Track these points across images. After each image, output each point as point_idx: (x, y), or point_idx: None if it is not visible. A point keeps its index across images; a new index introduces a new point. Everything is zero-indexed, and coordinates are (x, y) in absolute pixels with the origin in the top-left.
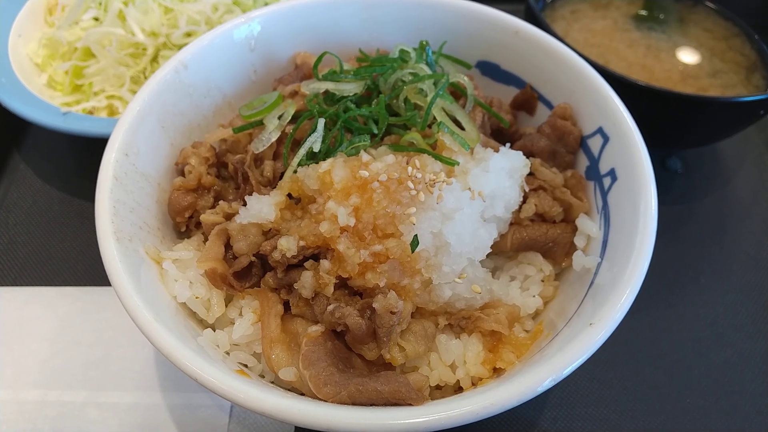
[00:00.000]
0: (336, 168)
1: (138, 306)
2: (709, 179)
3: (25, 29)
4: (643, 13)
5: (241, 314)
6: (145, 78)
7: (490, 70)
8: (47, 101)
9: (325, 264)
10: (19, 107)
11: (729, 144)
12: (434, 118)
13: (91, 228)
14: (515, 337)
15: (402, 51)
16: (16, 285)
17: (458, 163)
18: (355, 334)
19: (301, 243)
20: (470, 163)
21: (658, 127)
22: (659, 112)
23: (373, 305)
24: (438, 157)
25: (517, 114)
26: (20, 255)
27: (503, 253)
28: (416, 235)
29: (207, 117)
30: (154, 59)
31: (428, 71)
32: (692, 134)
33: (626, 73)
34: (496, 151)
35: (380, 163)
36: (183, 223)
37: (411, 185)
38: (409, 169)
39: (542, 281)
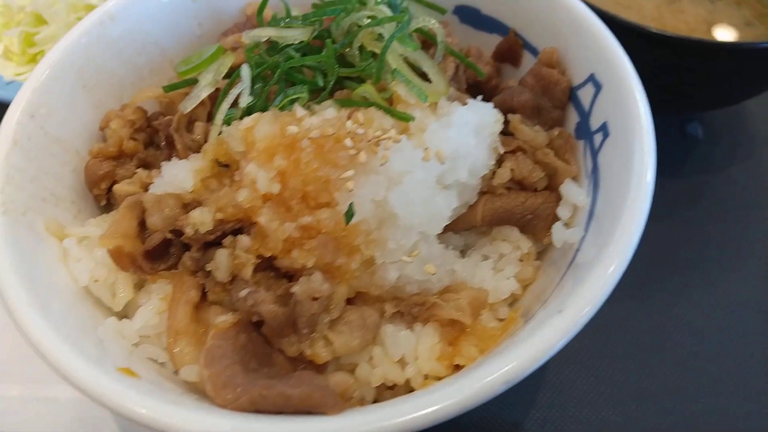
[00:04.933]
0: (260, 124)
1: (11, 287)
2: (734, 147)
3: None
4: None
5: (150, 297)
6: None
7: (469, 15)
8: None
9: (243, 240)
10: None
11: (756, 106)
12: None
13: None
14: (482, 328)
15: None
16: None
17: (413, 118)
18: (271, 326)
19: (219, 215)
20: (429, 118)
21: (675, 85)
22: (675, 66)
23: (292, 290)
24: (388, 110)
25: (501, 67)
26: None
27: (475, 229)
28: (351, 204)
29: (143, 77)
30: None
31: (388, 12)
32: (714, 91)
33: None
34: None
35: (316, 118)
36: (102, 196)
37: (349, 143)
38: (349, 123)
39: (520, 260)
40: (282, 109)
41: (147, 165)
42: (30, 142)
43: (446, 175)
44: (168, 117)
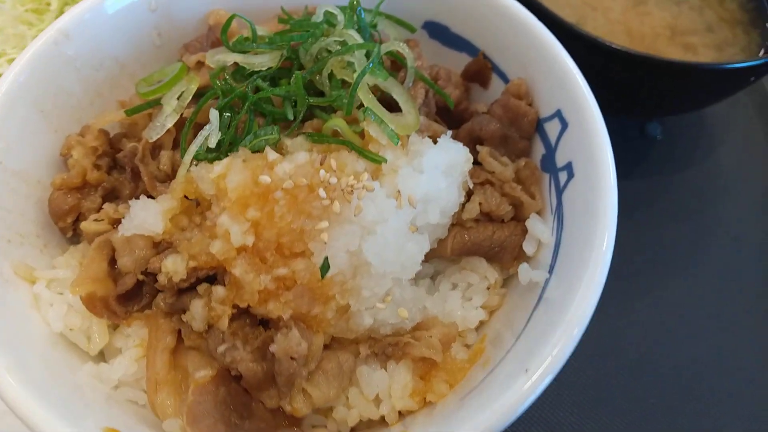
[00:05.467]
0: (232, 172)
1: None
2: (691, 148)
3: None
4: None
5: (127, 342)
6: None
7: (438, 32)
8: None
9: (218, 291)
10: None
11: (714, 107)
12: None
13: None
14: (451, 361)
15: (327, 13)
16: None
17: (386, 161)
18: (250, 383)
19: (192, 263)
20: (401, 159)
21: (637, 95)
22: (638, 79)
23: (270, 348)
24: (362, 153)
25: (470, 86)
26: None
27: (443, 257)
28: (327, 258)
29: (102, 94)
30: (61, 14)
31: (358, 39)
32: (675, 101)
33: (607, 30)
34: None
35: (288, 164)
36: (68, 228)
37: (323, 194)
38: (322, 172)
39: (487, 289)
40: (252, 149)
41: (112, 192)
42: None
43: (418, 218)
44: (132, 145)
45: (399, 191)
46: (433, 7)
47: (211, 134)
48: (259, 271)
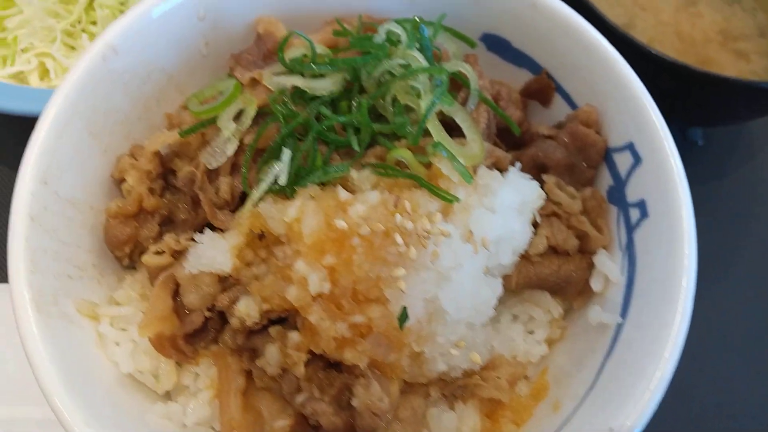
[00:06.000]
0: (306, 216)
1: (56, 393)
2: (732, 155)
3: None
4: None
5: (196, 380)
6: (81, 30)
7: (498, 45)
8: None
9: (294, 337)
10: None
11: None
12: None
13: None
14: (516, 399)
15: (390, 33)
16: None
17: (459, 200)
18: None
19: (265, 306)
20: (472, 197)
21: (684, 104)
22: (686, 89)
23: (352, 402)
24: (434, 191)
25: (528, 103)
26: None
27: (506, 289)
28: (405, 309)
29: (149, 107)
30: (89, 7)
31: (422, 60)
32: (721, 114)
33: (657, 33)
34: (504, 168)
35: (361, 206)
36: (125, 257)
37: (399, 240)
38: (398, 217)
39: (549, 322)
40: (322, 179)
41: (168, 216)
42: (46, 213)
43: (491, 260)
44: (189, 170)
45: (471, 231)
46: (494, 19)
47: (281, 172)
48: (335, 318)
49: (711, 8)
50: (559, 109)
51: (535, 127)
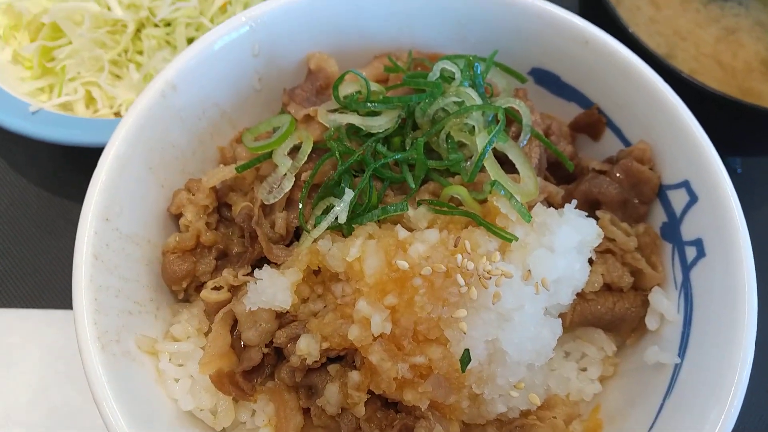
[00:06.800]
0: (368, 257)
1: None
2: None
3: None
4: None
5: (253, 417)
6: (127, 60)
7: (547, 80)
8: (13, 93)
9: (354, 377)
10: None
11: None
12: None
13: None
14: None
15: (444, 70)
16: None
17: (517, 239)
18: None
19: (324, 344)
20: (530, 235)
21: (724, 133)
22: (727, 119)
23: None
24: (492, 230)
25: (577, 136)
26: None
27: None
28: (468, 351)
29: (204, 141)
30: (136, 37)
31: (477, 98)
32: (762, 145)
33: (697, 63)
34: (557, 203)
35: (421, 245)
36: (181, 291)
37: (461, 280)
38: (458, 256)
39: (602, 360)
40: (381, 217)
41: (223, 249)
42: (108, 251)
43: (550, 300)
44: (246, 205)
45: (530, 271)
46: (543, 54)
47: (342, 210)
48: (396, 358)
49: (752, 38)
50: (608, 144)
51: (585, 161)
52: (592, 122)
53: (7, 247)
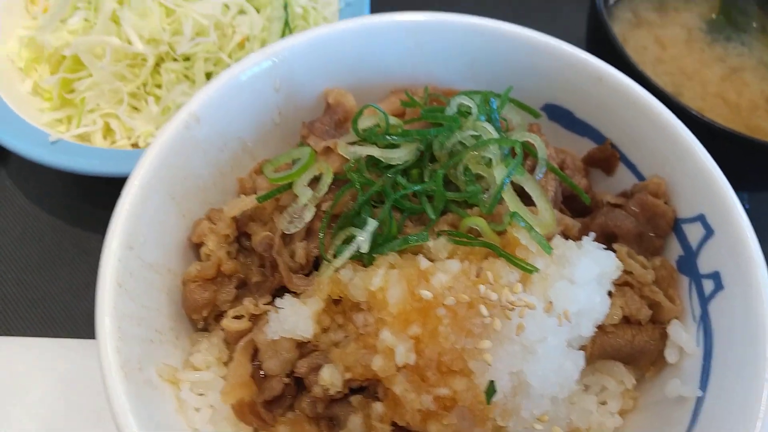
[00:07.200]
0: (391, 286)
1: None
2: None
3: (3, 24)
4: (717, 17)
5: None
6: (146, 93)
7: (560, 115)
8: (33, 123)
9: (378, 408)
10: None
11: None
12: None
13: (89, 263)
14: None
15: (461, 105)
16: (7, 335)
17: (538, 270)
18: None
19: (347, 375)
20: (551, 267)
21: (732, 169)
22: (734, 155)
23: None
24: (513, 261)
25: (590, 170)
26: (12, 294)
27: None
28: (493, 382)
29: (224, 173)
30: (155, 71)
31: (494, 133)
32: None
33: (703, 102)
34: (573, 236)
35: (443, 275)
36: (201, 320)
37: (485, 311)
38: (482, 287)
39: (621, 393)
40: (402, 247)
41: (243, 279)
42: (131, 279)
43: (572, 331)
44: (267, 235)
45: (551, 303)
46: (556, 90)
47: (364, 241)
48: (420, 390)
49: (756, 77)
50: (621, 178)
51: (599, 195)
52: (606, 157)
53: (19, 275)
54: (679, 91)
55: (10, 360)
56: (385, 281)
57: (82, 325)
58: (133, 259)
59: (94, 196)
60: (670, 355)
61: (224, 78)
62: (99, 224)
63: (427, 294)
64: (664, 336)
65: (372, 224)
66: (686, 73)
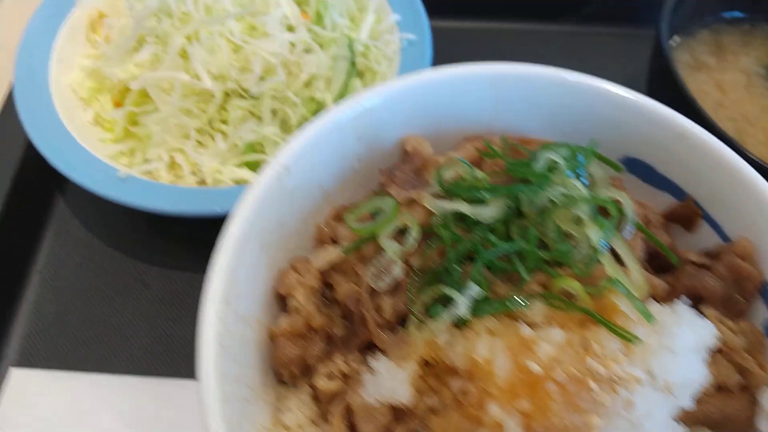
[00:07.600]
0: (497, 357)
1: None
2: None
3: (66, 53)
4: None
5: None
6: (212, 129)
7: (640, 169)
8: (98, 156)
9: None
10: (68, 168)
11: None
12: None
13: (147, 296)
14: None
15: (549, 160)
16: (69, 368)
17: (641, 340)
18: None
19: None
20: (651, 337)
21: None
22: None
23: None
24: (614, 331)
25: (670, 226)
26: (71, 328)
27: None
28: None
29: (306, 220)
30: (222, 107)
31: (584, 191)
32: None
33: (766, 148)
34: (662, 299)
35: (548, 346)
36: (289, 376)
37: (594, 386)
38: (588, 359)
39: None
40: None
41: (331, 335)
42: (231, 337)
43: (674, 404)
44: (355, 290)
45: (652, 372)
46: (637, 144)
47: (463, 306)
48: None
49: None
50: (703, 237)
51: (684, 253)
52: (688, 214)
53: (79, 307)
54: (741, 138)
55: (73, 394)
56: (491, 353)
57: (141, 362)
58: (231, 314)
59: (152, 227)
60: (764, 424)
61: (313, 128)
62: (157, 254)
63: (536, 368)
64: (753, 403)
65: (474, 289)
66: (748, 119)
